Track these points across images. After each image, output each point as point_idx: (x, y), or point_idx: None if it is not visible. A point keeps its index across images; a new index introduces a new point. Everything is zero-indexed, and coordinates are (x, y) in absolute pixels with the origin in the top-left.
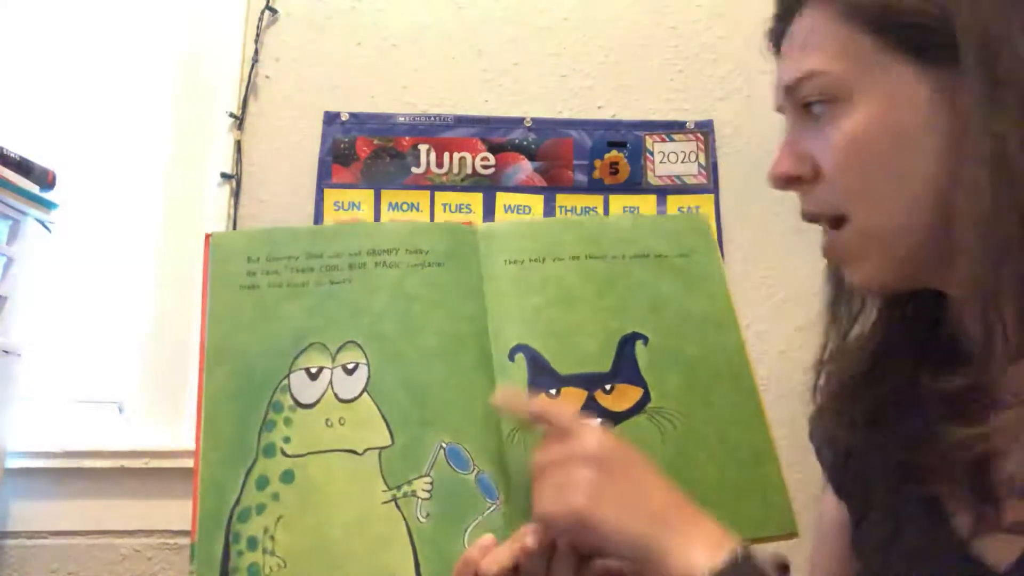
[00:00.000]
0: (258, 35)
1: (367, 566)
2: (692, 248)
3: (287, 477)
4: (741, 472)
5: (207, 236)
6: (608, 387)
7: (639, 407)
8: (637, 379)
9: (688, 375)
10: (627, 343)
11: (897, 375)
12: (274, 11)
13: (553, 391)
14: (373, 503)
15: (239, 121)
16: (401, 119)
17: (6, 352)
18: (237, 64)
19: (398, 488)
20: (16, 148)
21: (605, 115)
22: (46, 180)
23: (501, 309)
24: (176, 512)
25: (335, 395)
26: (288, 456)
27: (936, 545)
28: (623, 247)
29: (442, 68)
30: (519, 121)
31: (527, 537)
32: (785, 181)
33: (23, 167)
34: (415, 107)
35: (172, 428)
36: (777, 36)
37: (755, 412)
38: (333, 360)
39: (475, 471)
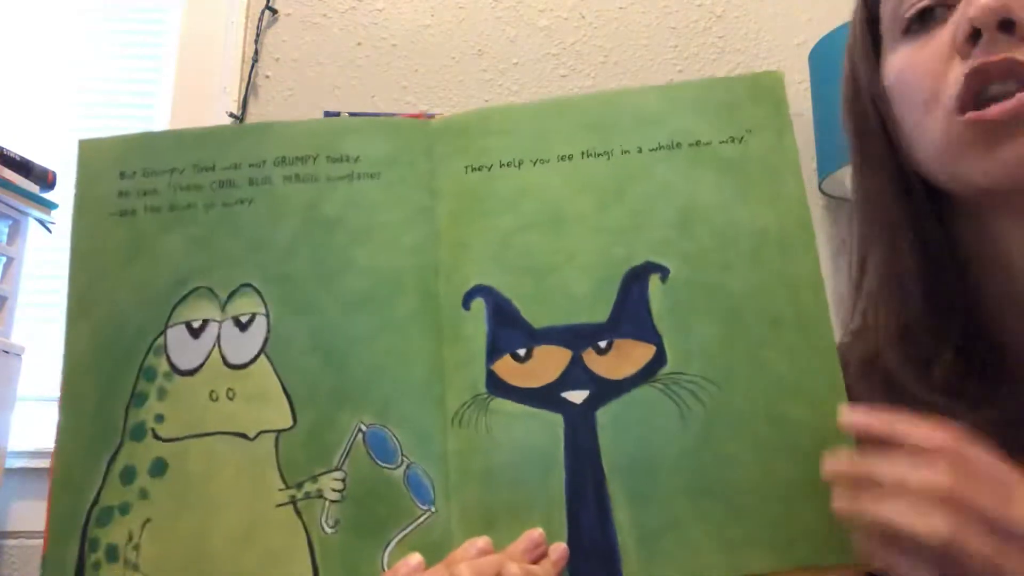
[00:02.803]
0: (258, 35)
1: None
2: (753, 126)
3: (158, 468)
4: (798, 471)
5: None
6: (604, 344)
7: (648, 372)
8: (648, 332)
9: (729, 323)
10: (636, 278)
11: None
12: (274, 11)
13: (521, 351)
14: (266, 505)
15: (239, 121)
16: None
17: (6, 352)
18: (237, 64)
19: (299, 486)
20: (16, 148)
21: None
22: (46, 180)
23: (456, 236)
24: None
25: (223, 358)
26: (161, 440)
27: None
28: (642, 135)
29: (442, 68)
30: None
31: (462, 567)
32: (1003, 23)
33: (23, 167)
34: (415, 107)
35: None
36: None
37: (829, 380)
38: (222, 310)
39: (404, 464)
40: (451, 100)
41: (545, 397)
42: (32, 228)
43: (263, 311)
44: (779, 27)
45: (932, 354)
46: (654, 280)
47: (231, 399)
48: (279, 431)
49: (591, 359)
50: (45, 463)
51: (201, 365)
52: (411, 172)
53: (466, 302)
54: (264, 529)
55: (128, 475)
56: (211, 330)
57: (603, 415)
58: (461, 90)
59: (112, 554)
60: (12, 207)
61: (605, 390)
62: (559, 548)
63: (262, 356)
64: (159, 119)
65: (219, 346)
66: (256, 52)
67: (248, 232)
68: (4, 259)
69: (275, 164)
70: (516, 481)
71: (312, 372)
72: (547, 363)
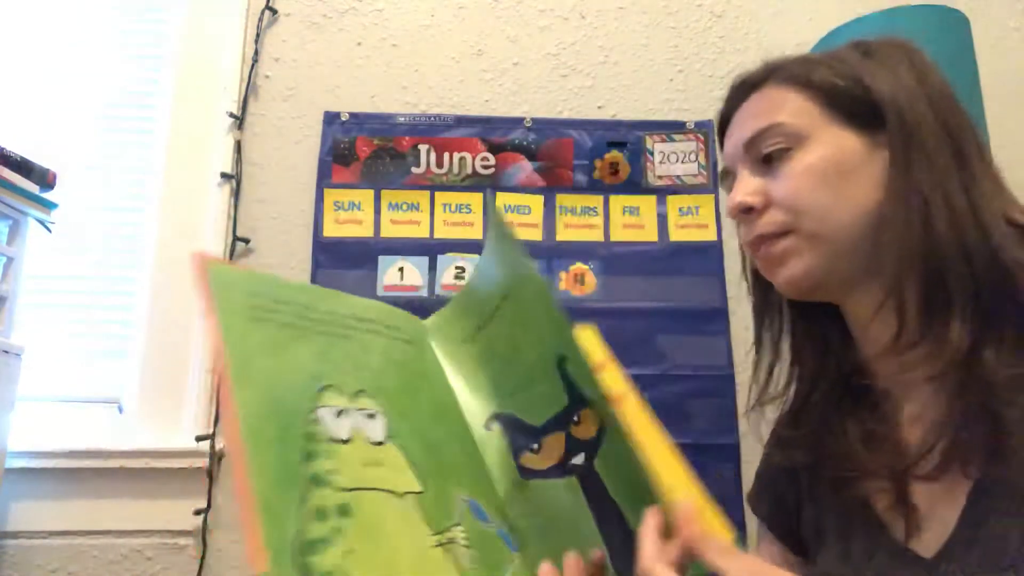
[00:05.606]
0: (258, 35)
1: None
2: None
3: (345, 511)
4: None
5: (199, 259)
6: (576, 418)
7: (601, 430)
8: (583, 399)
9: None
10: (560, 366)
11: (823, 403)
12: (274, 11)
13: (535, 446)
14: (426, 545)
15: (239, 121)
16: (401, 119)
17: (6, 352)
18: (237, 64)
19: (441, 533)
20: (16, 148)
21: (605, 115)
22: (46, 180)
23: (468, 384)
24: (176, 512)
25: (365, 436)
26: (340, 489)
27: (880, 551)
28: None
29: (442, 68)
30: (519, 121)
31: None
32: (744, 210)
33: (23, 167)
34: (415, 107)
35: (172, 428)
36: (725, 119)
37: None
38: (351, 403)
39: (495, 525)
40: (451, 100)
41: (560, 469)
42: (32, 228)
43: (380, 409)
44: (779, 27)
45: (810, 389)
46: (567, 363)
47: (379, 466)
48: (416, 493)
49: (576, 431)
50: (45, 463)
51: (351, 437)
52: (426, 347)
53: (487, 427)
54: (432, 562)
55: (321, 515)
56: (350, 414)
57: (598, 463)
58: (461, 90)
59: None
60: (12, 207)
61: (590, 448)
62: (597, 551)
63: (389, 440)
64: (159, 119)
65: (358, 426)
66: (256, 52)
67: (351, 356)
68: (4, 259)
69: (355, 320)
70: (561, 529)
71: (422, 456)
72: (553, 446)
